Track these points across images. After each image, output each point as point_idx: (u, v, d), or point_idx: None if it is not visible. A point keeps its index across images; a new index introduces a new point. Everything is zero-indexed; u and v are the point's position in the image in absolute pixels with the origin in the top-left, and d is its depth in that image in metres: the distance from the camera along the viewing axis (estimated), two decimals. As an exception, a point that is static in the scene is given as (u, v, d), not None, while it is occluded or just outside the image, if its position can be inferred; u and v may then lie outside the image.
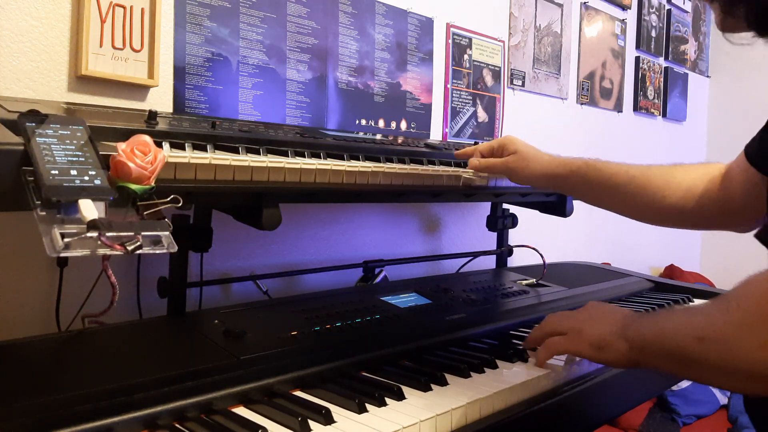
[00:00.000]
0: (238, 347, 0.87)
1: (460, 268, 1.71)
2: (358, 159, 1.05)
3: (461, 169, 1.20)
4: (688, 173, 1.02)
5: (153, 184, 0.73)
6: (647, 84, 2.88)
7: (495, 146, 1.18)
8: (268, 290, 1.29)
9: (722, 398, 2.58)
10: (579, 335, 0.87)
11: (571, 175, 1.08)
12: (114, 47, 1.16)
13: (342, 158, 1.03)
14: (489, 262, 1.75)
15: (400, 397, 0.80)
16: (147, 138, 0.74)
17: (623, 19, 2.69)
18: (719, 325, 0.67)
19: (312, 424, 0.70)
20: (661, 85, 3.00)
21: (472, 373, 0.90)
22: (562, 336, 0.91)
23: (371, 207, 1.66)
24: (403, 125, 1.73)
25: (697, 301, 1.47)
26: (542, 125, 2.27)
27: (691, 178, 1.01)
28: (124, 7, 1.16)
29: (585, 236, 2.51)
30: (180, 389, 0.73)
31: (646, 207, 1.03)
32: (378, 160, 1.08)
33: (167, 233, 0.71)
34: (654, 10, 2.91)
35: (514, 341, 1.09)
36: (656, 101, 2.96)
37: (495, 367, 0.94)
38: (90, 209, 0.65)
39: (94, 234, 0.64)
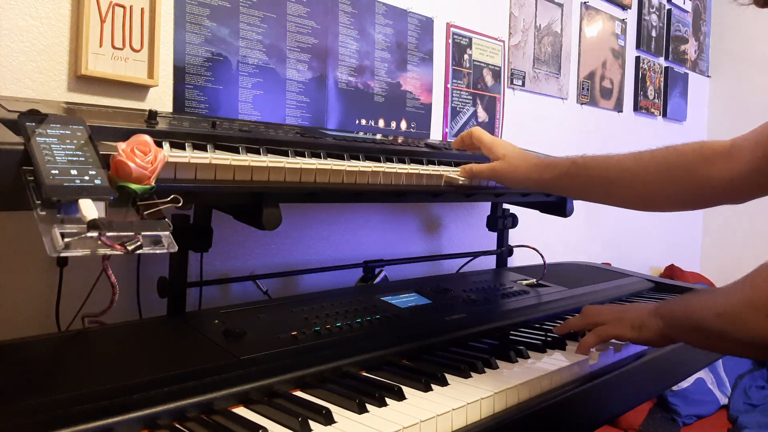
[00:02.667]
0: (238, 347, 0.87)
1: (460, 268, 1.71)
2: (358, 159, 1.05)
3: (451, 168, 1.19)
4: (683, 158, 0.98)
5: (153, 183, 0.72)
6: (647, 84, 2.88)
7: (467, 140, 1.22)
8: (268, 290, 1.29)
9: (722, 398, 2.58)
10: (621, 321, 0.99)
11: (558, 179, 1.08)
12: (114, 47, 1.15)
13: (342, 158, 1.03)
14: (489, 262, 1.75)
15: (400, 397, 0.80)
16: (147, 138, 0.74)
17: (623, 19, 2.69)
18: (734, 301, 0.75)
19: (312, 424, 0.70)
20: (662, 85, 3.00)
21: (472, 373, 0.90)
22: (605, 324, 1.02)
23: (371, 207, 1.66)
24: (403, 125, 1.72)
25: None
26: (542, 125, 2.27)
27: (687, 163, 0.98)
28: (123, 7, 1.16)
29: (585, 236, 2.51)
30: (180, 389, 0.73)
31: (643, 197, 1.03)
32: (378, 160, 1.08)
33: (167, 233, 0.71)
34: (654, 9, 2.91)
35: (514, 341, 1.09)
36: (656, 101, 2.96)
37: (495, 367, 0.94)
38: (90, 209, 0.65)
39: (94, 234, 0.64)
